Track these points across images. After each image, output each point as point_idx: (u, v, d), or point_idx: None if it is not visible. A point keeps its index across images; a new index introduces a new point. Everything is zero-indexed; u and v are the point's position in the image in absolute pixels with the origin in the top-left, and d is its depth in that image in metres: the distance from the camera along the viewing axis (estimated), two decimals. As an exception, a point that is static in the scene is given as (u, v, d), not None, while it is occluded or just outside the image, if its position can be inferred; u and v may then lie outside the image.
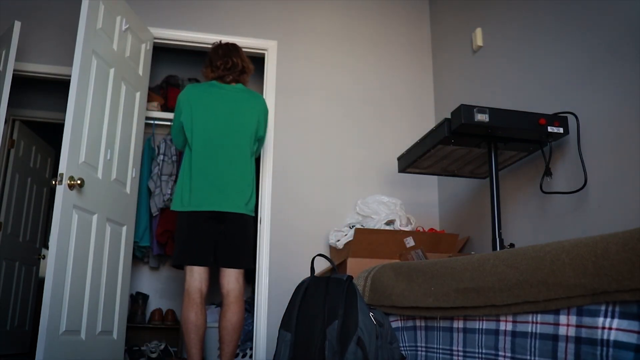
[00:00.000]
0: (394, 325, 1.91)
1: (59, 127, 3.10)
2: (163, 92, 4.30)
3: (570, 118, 2.26)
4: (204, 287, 2.63)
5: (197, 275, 2.62)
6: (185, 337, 2.56)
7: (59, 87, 4.52)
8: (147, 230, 3.88)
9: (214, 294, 3.92)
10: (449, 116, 2.25)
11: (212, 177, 2.64)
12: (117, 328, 2.94)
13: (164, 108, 4.20)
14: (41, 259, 5.25)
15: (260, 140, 2.90)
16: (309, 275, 1.95)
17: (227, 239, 2.65)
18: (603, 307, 1.18)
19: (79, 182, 2.55)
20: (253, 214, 2.75)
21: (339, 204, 3.43)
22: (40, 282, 4.26)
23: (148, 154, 4.07)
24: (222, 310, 2.65)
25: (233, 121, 2.73)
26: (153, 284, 4.22)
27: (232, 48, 2.92)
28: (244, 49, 3.58)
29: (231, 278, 2.66)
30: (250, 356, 3.48)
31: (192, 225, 2.63)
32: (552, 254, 1.33)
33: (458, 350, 1.61)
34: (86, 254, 2.66)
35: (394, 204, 3.16)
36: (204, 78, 2.93)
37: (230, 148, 2.70)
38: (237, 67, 2.84)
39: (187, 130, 2.72)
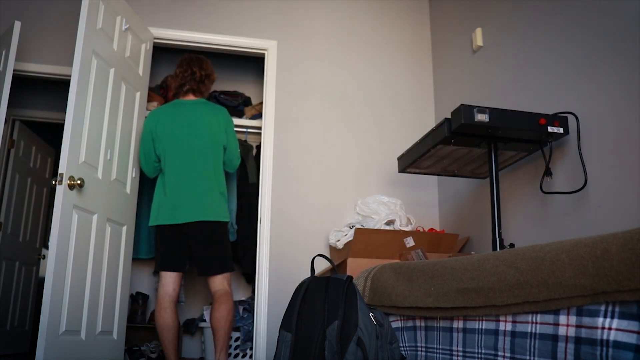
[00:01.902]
0: (394, 325, 1.91)
1: (59, 127, 3.10)
2: (163, 92, 4.30)
3: (570, 118, 2.26)
4: (172, 290, 2.86)
5: (165, 281, 2.86)
6: (159, 336, 2.81)
7: (59, 87, 4.52)
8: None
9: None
10: (449, 116, 2.25)
11: (174, 192, 2.86)
12: (117, 328, 2.94)
13: (164, 108, 4.19)
14: (41, 259, 5.25)
15: (227, 150, 3.02)
16: (309, 275, 1.95)
17: (199, 248, 2.85)
18: (603, 307, 1.18)
19: (79, 182, 2.55)
20: (223, 219, 2.89)
21: (339, 204, 3.43)
22: (40, 282, 4.26)
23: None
24: (212, 307, 2.86)
25: (193, 135, 2.93)
26: (153, 284, 4.21)
27: (195, 59, 3.12)
28: (243, 49, 3.61)
29: (215, 282, 2.86)
30: (251, 356, 3.48)
31: (163, 238, 2.89)
32: (552, 254, 1.33)
33: (458, 351, 1.61)
34: (86, 254, 2.66)
35: (394, 204, 3.16)
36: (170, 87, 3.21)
37: (191, 161, 2.89)
38: (194, 75, 3.04)
39: (158, 152, 2.97)
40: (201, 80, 3.07)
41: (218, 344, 2.78)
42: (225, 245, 2.91)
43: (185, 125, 2.94)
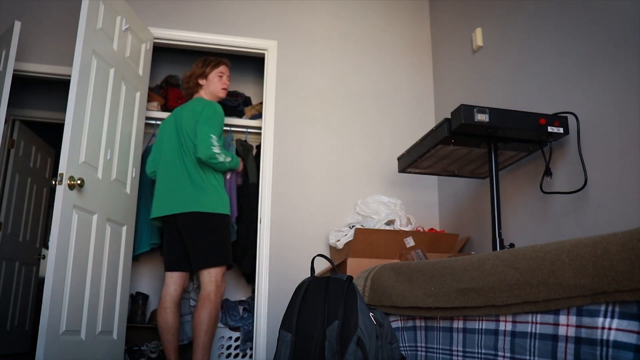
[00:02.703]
0: (394, 325, 1.91)
1: (59, 127, 3.11)
2: (163, 92, 4.30)
3: (570, 118, 2.26)
4: (174, 291, 2.84)
5: (167, 281, 2.87)
6: (160, 336, 2.81)
7: (59, 87, 4.53)
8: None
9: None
10: (449, 116, 2.25)
11: (162, 186, 2.91)
12: (117, 328, 2.94)
13: (164, 108, 4.19)
14: (41, 259, 5.25)
15: (197, 137, 2.81)
16: (309, 275, 1.95)
17: (189, 241, 2.81)
18: (603, 307, 1.18)
19: (79, 182, 2.55)
20: (212, 211, 2.81)
21: (339, 204, 3.43)
22: (40, 282, 4.27)
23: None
24: None
25: (178, 131, 2.96)
26: (153, 284, 4.21)
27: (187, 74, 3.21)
28: (244, 49, 3.62)
29: (203, 278, 2.81)
30: (251, 356, 3.48)
31: (164, 236, 2.93)
32: (552, 254, 1.33)
33: (458, 351, 1.61)
34: (86, 254, 2.66)
35: (394, 204, 3.16)
36: None
37: (175, 155, 2.91)
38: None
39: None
40: (188, 87, 3.13)
41: (194, 348, 2.68)
42: (212, 238, 2.80)
43: (172, 123, 3.02)
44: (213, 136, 2.80)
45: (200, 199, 2.80)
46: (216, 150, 2.79)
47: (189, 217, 2.79)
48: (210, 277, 2.77)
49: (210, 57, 3.17)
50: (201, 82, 3.10)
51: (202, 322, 2.67)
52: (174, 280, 2.85)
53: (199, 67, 3.11)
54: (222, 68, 3.13)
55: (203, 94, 3.10)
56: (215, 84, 3.10)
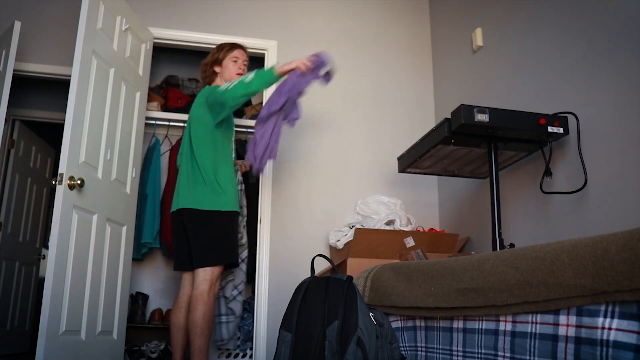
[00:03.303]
0: (394, 325, 1.91)
1: (59, 127, 3.10)
2: (163, 92, 4.30)
3: (570, 118, 2.26)
4: (190, 292, 2.72)
5: (183, 282, 2.81)
6: (170, 334, 2.75)
7: (59, 87, 4.52)
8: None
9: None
10: (449, 116, 2.25)
11: (177, 183, 2.86)
12: (117, 328, 2.93)
13: (164, 108, 4.19)
14: (41, 259, 5.25)
15: (211, 101, 2.71)
16: (309, 275, 1.95)
17: (190, 239, 2.71)
18: (603, 307, 1.18)
19: (79, 182, 2.55)
20: (208, 208, 2.68)
21: (339, 204, 3.43)
22: (40, 282, 4.27)
23: (158, 155, 4.05)
24: None
25: (188, 126, 2.88)
26: (153, 284, 4.21)
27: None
28: (243, 49, 3.61)
29: (197, 276, 2.65)
30: (251, 356, 3.48)
31: (172, 231, 2.92)
32: (552, 254, 1.33)
33: (458, 351, 1.61)
34: (86, 254, 2.66)
35: (394, 204, 3.16)
36: None
37: (187, 150, 2.82)
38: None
39: None
40: (205, 76, 3.00)
41: (191, 351, 2.61)
42: (210, 234, 2.67)
43: (187, 122, 2.94)
44: (219, 87, 2.73)
45: (196, 196, 2.70)
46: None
47: (188, 214, 2.71)
48: (205, 275, 2.63)
49: (224, 43, 3.03)
50: (216, 69, 2.95)
51: (196, 325, 2.56)
52: (189, 281, 2.76)
53: (213, 54, 2.98)
54: (237, 52, 2.96)
55: (218, 82, 2.94)
56: (230, 70, 2.93)
